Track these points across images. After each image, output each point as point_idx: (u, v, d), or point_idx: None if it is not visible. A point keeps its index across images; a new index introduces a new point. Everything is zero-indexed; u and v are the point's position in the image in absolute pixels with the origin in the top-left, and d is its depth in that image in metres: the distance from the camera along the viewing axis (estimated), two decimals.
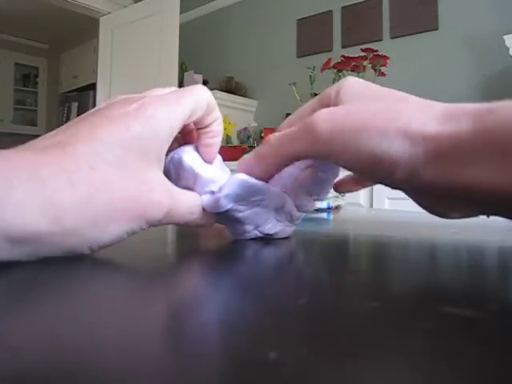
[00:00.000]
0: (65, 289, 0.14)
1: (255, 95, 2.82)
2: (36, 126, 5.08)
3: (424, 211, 0.21)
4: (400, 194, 0.20)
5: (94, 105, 3.30)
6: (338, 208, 0.63)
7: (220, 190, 0.23)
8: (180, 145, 0.25)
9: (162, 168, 0.22)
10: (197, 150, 0.25)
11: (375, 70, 1.73)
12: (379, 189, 1.53)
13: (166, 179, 0.22)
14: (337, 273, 0.19)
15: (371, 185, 0.32)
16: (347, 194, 0.77)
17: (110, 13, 3.11)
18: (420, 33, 2.11)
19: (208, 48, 3.07)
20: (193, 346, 0.09)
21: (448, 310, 0.12)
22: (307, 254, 0.25)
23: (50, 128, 4.74)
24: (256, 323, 0.11)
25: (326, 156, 0.20)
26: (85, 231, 0.17)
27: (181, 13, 2.69)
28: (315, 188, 0.27)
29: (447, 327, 0.11)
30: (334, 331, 0.10)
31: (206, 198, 0.24)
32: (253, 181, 0.23)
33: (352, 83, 0.22)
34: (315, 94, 1.97)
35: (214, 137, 0.25)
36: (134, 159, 0.19)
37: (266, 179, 0.24)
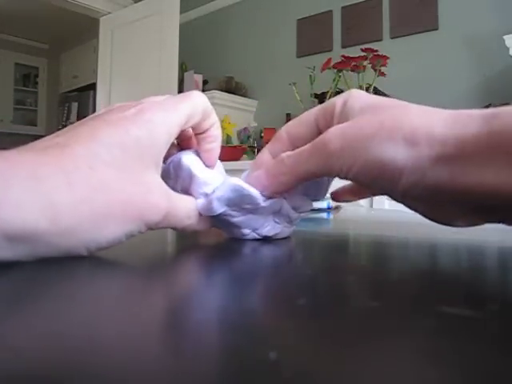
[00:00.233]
0: (65, 288, 0.14)
1: (255, 95, 2.82)
2: (36, 126, 5.08)
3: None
4: None
5: (94, 105, 3.29)
6: (338, 208, 0.63)
7: (213, 192, 0.23)
8: (179, 151, 0.25)
9: (160, 173, 0.22)
10: (197, 154, 0.25)
11: (375, 70, 1.73)
12: None
13: (163, 183, 0.22)
14: (337, 273, 0.19)
15: (369, 196, 0.32)
16: None
17: (110, 13, 3.11)
18: (420, 33, 2.11)
19: (208, 48, 3.07)
20: (192, 346, 0.09)
21: (448, 310, 0.12)
22: (307, 254, 0.25)
23: (49, 128, 4.76)
24: (256, 323, 0.11)
25: (338, 172, 0.20)
26: (82, 231, 0.17)
27: (181, 13, 2.69)
28: (312, 189, 0.27)
29: (447, 327, 0.11)
30: (334, 331, 0.10)
31: (201, 202, 0.24)
32: (246, 188, 0.23)
33: (358, 95, 0.22)
34: (315, 94, 1.97)
35: (213, 141, 0.25)
36: (132, 161, 0.20)
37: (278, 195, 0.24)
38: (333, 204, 0.61)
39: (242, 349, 0.09)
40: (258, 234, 0.26)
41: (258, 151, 2.37)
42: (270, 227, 0.26)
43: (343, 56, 1.78)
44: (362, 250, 0.28)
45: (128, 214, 0.19)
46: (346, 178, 0.20)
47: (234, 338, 0.10)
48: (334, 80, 1.79)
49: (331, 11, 2.46)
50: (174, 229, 0.23)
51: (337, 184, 0.30)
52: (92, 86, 3.87)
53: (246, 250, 0.24)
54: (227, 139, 2.60)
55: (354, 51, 1.90)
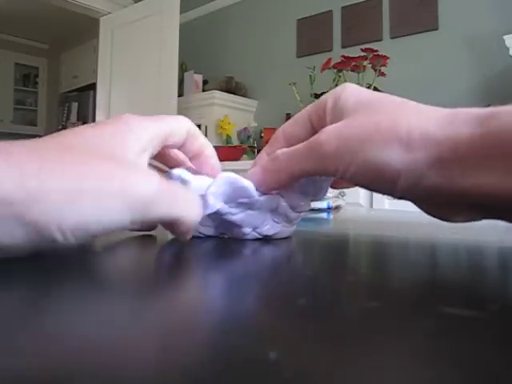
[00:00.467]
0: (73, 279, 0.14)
1: (255, 95, 2.82)
2: (36, 125, 5.08)
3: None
4: None
5: (94, 105, 3.29)
6: (337, 208, 0.63)
7: (208, 189, 0.24)
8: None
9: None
10: (187, 170, 0.26)
11: (375, 70, 1.73)
12: None
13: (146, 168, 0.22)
14: (337, 273, 0.19)
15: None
16: (347, 194, 0.77)
17: (110, 13, 3.11)
18: (420, 33, 2.11)
19: (208, 48, 3.07)
20: (192, 346, 0.09)
21: (448, 310, 0.12)
22: (307, 254, 0.25)
23: (49, 128, 4.76)
24: (256, 323, 0.11)
25: (334, 172, 0.20)
26: (52, 203, 0.15)
27: (181, 13, 2.69)
28: (310, 188, 0.27)
29: (447, 327, 0.11)
30: (334, 331, 0.10)
31: None
32: (240, 180, 0.23)
33: (351, 90, 0.22)
34: (315, 94, 1.98)
35: (211, 160, 0.26)
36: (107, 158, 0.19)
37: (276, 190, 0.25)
38: (333, 204, 0.61)
39: (242, 349, 0.09)
40: (259, 234, 0.26)
41: (258, 151, 2.37)
42: (269, 226, 0.26)
43: (343, 56, 1.78)
44: (362, 250, 0.28)
45: (104, 189, 0.16)
46: (342, 178, 0.20)
47: (233, 338, 0.10)
48: (333, 80, 1.79)
49: (331, 11, 2.46)
50: (162, 224, 0.21)
51: None
52: (92, 86, 3.87)
53: (246, 250, 0.24)
54: (227, 139, 2.60)
55: (354, 51, 1.90)
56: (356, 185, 0.21)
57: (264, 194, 0.24)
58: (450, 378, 0.08)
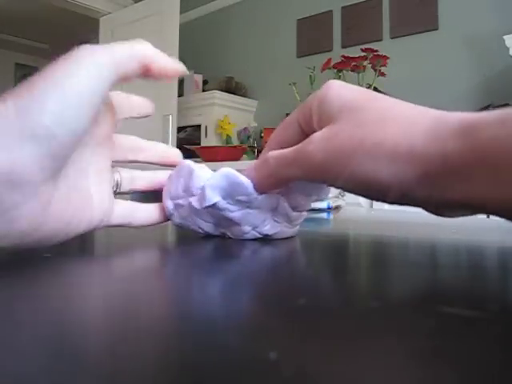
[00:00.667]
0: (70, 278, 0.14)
1: (255, 95, 2.82)
2: None
3: (423, 211, 0.21)
4: None
5: None
6: (337, 208, 0.63)
7: (207, 180, 0.24)
8: None
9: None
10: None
11: (375, 70, 1.73)
12: None
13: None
14: (337, 273, 0.19)
15: None
16: (347, 194, 0.77)
17: (110, 13, 3.11)
18: (420, 33, 2.11)
19: (208, 48, 3.07)
20: (192, 346, 0.09)
21: (448, 310, 0.12)
22: (307, 254, 0.25)
23: None
24: (256, 323, 0.11)
25: (322, 181, 0.21)
26: (37, 95, 0.16)
27: (181, 13, 2.69)
28: (310, 188, 0.27)
29: (447, 327, 0.11)
30: (334, 331, 0.10)
31: (196, 196, 0.25)
32: (239, 177, 0.24)
33: (336, 91, 0.21)
34: None
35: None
36: None
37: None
38: (333, 204, 0.61)
39: (242, 349, 0.09)
40: (259, 233, 0.26)
41: (258, 151, 2.37)
42: (269, 226, 0.26)
43: (343, 56, 1.78)
44: (361, 250, 0.28)
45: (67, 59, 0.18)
46: (332, 186, 0.21)
47: (234, 337, 0.10)
48: None
49: (331, 11, 2.45)
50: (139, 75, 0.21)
51: None
52: None
53: (246, 251, 0.24)
54: (227, 139, 2.60)
55: (354, 51, 1.90)
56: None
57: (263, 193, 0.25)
58: (450, 378, 0.08)
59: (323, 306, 0.13)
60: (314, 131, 0.21)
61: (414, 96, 1.84)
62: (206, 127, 2.64)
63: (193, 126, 2.72)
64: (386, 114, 0.19)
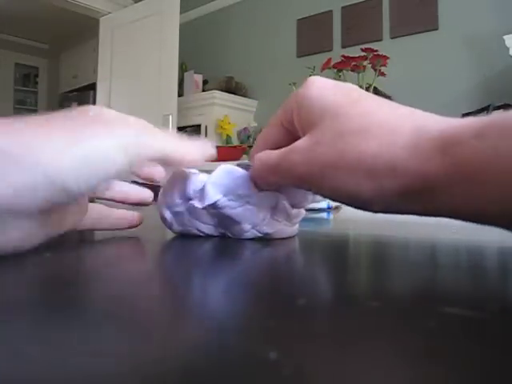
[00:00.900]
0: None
1: (255, 95, 2.82)
2: None
3: None
4: None
5: (94, 105, 3.29)
6: (338, 208, 0.63)
7: (208, 178, 0.25)
8: None
9: None
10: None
11: (375, 70, 1.73)
12: None
13: None
14: (337, 273, 0.19)
15: None
16: None
17: (110, 13, 3.11)
18: (420, 33, 2.12)
19: (208, 48, 3.07)
20: (192, 346, 0.09)
21: (448, 310, 0.12)
22: (307, 254, 0.25)
23: None
24: (256, 323, 0.11)
25: (308, 190, 0.21)
26: (54, 145, 0.16)
27: (181, 13, 2.69)
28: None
29: (447, 327, 0.11)
30: (334, 331, 0.10)
31: (196, 198, 0.25)
32: (239, 171, 0.25)
33: (315, 92, 0.21)
34: None
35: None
36: None
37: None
38: (333, 204, 0.61)
39: (242, 349, 0.09)
40: (259, 231, 0.26)
41: None
42: (269, 224, 0.26)
43: (343, 56, 1.78)
44: (362, 250, 0.28)
45: (95, 129, 0.18)
46: (318, 195, 0.21)
47: (234, 338, 0.10)
48: (334, 80, 1.79)
49: (331, 11, 2.46)
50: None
51: None
52: (92, 86, 3.87)
53: (246, 250, 0.24)
54: (227, 139, 2.60)
55: (354, 51, 1.90)
56: None
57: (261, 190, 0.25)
58: (450, 378, 0.08)
59: (323, 306, 0.13)
60: (297, 130, 0.22)
61: (414, 96, 1.84)
62: (206, 127, 2.64)
63: (193, 126, 2.72)
64: (368, 122, 0.18)
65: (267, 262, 0.22)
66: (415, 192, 0.17)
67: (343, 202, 0.20)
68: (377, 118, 0.18)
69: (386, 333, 0.10)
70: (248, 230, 0.26)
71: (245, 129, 2.66)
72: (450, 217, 0.17)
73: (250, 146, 2.46)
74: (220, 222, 0.26)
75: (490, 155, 0.14)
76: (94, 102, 3.59)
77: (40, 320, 0.11)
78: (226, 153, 2.21)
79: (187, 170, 0.26)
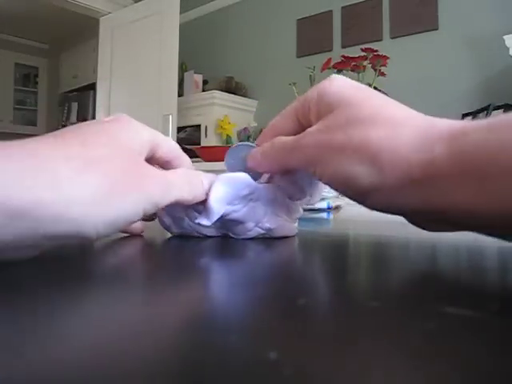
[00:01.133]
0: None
1: (255, 95, 2.82)
2: (36, 126, 5.07)
3: None
4: None
5: (94, 105, 3.29)
6: (338, 208, 0.63)
7: (207, 196, 0.24)
8: None
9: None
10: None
11: (375, 70, 1.73)
12: None
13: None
14: (337, 273, 0.19)
15: None
16: None
17: (110, 13, 3.11)
18: (420, 33, 2.11)
19: (208, 48, 3.07)
20: (193, 346, 0.09)
21: (448, 310, 0.12)
22: (307, 254, 0.25)
23: (49, 128, 4.75)
24: (256, 323, 0.11)
25: (314, 174, 0.21)
26: (86, 203, 0.16)
27: (181, 13, 2.69)
28: (306, 179, 0.27)
29: (447, 327, 0.11)
30: (334, 331, 0.10)
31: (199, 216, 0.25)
32: (236, 176, 0.24)
33: (337, 86, 0.21)
34: None
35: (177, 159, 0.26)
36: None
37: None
38: (333, 204, 0.61)
39: (242, 349, 0.09)
40: (261, 228, 0.26)
41: None
42: (270, 219, 0.26)
43: (343, 56, 1.78)
44: (361, 249, 0.28)
45: (128, 185, 0.18)
46: (321, 181, 0.21)
47: (234, 338, 0.10)
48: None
49: (331, 11, 2.46)
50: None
51: None
52: (92, 86, 3.87)
53: (246, 250, 0.24)
54: (227, 139, 2.60)
55: (354, 51, 1.89)
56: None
57: (256, 177, 0.26)
58: (450, 378, 0.08)
59: (323, 306, 0.13)
60: (311, 124, 0.22)
61: (414, 96, 1.84)
62: (205, 127, 2.64)
63: (193, 126, 2.72)
64: (378, 113, 0.19)
65: (267, 261, 0.22)
66: (416, 181, 0.16)
67: (341, 191, 0.20)
68: (387, 112, 0.19)
69: (385, 333, 0.10)
70: (251, 228, 0.26)
71: (245, 129, 2.65)
72: (446, 215, 0.17)
73: None
74: (223, 224, 0.26)
75: (495, 147, 0.14)
76: (93, 102, 3.59)
77: (40, 319, 0.11)
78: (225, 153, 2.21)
79: None
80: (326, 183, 0.21)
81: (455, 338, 0.10)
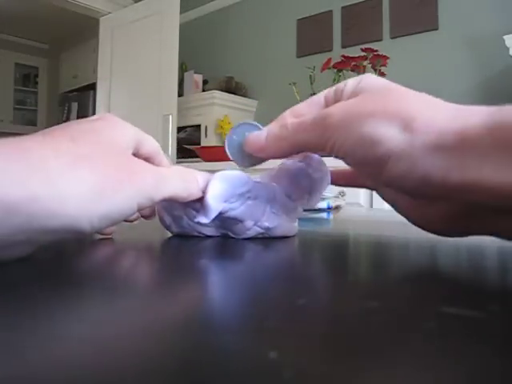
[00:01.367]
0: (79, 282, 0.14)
1: (255, 95, 2.82)
2: (36, 126, 5.07)
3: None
4: None
5: (94, 105, 3.29)
6: (338, 208, 0.63)
7: (204, 193, 0.24)
8: None
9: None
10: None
11: (375, 70, 1.73)
12: None
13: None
14: (337, 273, 0.19)
15: (361, 187, 0.31)
16: (347, 194, 0.76)
17: (110, 13, 3.11)
18: (420, 33, 2.11)
19: (208, 48, 3.07)
20: (193, 346, 0.09)
21: (448, 310, 0.12)
22: (307, 254, 0.25)
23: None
24: (256, 323, 0.11)
25: (332, 146, 0.20)
26: (80, 198, 0.17)
27: (181, 13, 2.69)
28: (304, 180, 0.27)
29: (447, 327, 0.11)
30: (334, 331, 0.10)
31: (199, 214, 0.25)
32: (233, 173, 0.24)
33: (372, 77, 0.22)
34: (315, 94, 1.99)
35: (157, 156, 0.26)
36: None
37: (274, 157, 0.25)
38: (333, 204, 0.61)
39: (242, 349, 0.09)
40: (260, 227, 0.26)
41: None
42: (269, 218, 0.26)
43: (343, 56, 1.78)
44: (361, 249, 0.28)
45: (121, 179, 0.19)
46: (337, 155, 0.20)
47: (234, 338, 0.10)
48: (333, 80, 1.79)
49: (331, 11, 2.45)
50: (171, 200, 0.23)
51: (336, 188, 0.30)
52: (92, 86, 3.87)
53: (246, 250, 0.24)
54: None
55: (354, 51, 1.90)
56: (348, 164, 0.21)
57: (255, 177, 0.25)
58: (450, 378, 0.08)
59: (323, 306, 0.13)
60: None
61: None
62: (205, 127, 2.64)
63: (193, 126, 2.72)
64: (415, 94, 0.20)
65: (267, 261, 0.22)
66: (447, 151, 0.16)
67: (359, 158, 0.19)
68: (424, 95, 0.20)
69: (385, 333, 0.10)
70: (250, 227, 0.26)
71: None
72: (466, 192, 0.16)
73: None
74: (222, 223, 0.26)
75: None
76: (93, 102, 3.59)
77: (39, 320, 0.11)
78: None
79: None
80: (342, 156, 0.20)
81: (455, 338, 0.10)
